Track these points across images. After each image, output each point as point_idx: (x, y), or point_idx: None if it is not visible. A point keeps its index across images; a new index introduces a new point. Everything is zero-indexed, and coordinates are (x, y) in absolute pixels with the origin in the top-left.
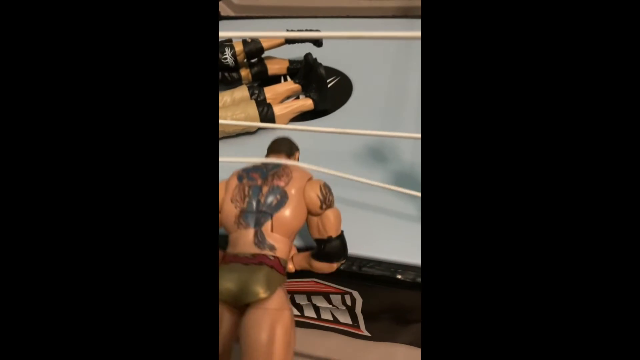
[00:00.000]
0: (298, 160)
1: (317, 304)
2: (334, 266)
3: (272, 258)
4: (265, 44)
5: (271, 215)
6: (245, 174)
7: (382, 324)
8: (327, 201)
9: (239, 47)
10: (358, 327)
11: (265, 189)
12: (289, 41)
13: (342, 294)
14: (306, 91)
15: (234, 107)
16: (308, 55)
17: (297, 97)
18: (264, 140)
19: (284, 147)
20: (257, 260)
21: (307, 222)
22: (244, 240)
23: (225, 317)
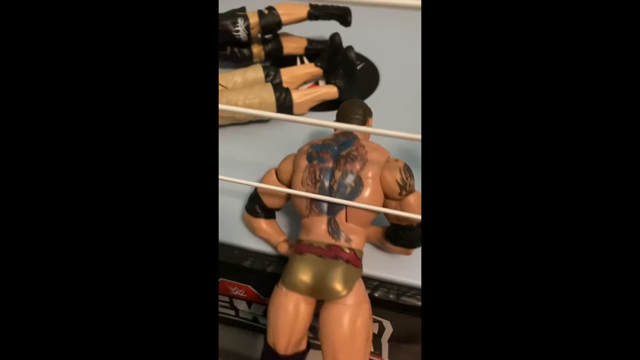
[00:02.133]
0: (371, 127)
1: None
2: (410, 251)
3: (347, 251)
4: (284, 18)
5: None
6: (315, 153)
7: (407, 354)
8: (407, 187)
9: (254, 19)
10: (380, 354)
11: (337, 174)
12: (312, 17)
13: None
14: (329, 77)
15: (246, 90)
16: (335, 36)
17: (316, 83)
18: (278, 131)
19: (356, 115)
20: (332, 254)
21: (384, 206)
22: (317, 228)
23: (301, 308)
